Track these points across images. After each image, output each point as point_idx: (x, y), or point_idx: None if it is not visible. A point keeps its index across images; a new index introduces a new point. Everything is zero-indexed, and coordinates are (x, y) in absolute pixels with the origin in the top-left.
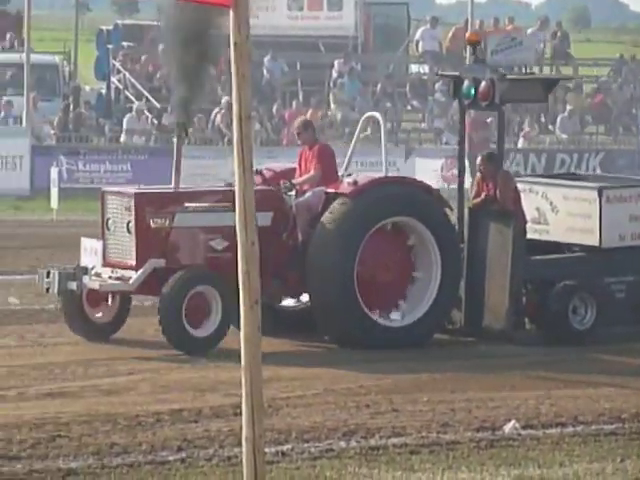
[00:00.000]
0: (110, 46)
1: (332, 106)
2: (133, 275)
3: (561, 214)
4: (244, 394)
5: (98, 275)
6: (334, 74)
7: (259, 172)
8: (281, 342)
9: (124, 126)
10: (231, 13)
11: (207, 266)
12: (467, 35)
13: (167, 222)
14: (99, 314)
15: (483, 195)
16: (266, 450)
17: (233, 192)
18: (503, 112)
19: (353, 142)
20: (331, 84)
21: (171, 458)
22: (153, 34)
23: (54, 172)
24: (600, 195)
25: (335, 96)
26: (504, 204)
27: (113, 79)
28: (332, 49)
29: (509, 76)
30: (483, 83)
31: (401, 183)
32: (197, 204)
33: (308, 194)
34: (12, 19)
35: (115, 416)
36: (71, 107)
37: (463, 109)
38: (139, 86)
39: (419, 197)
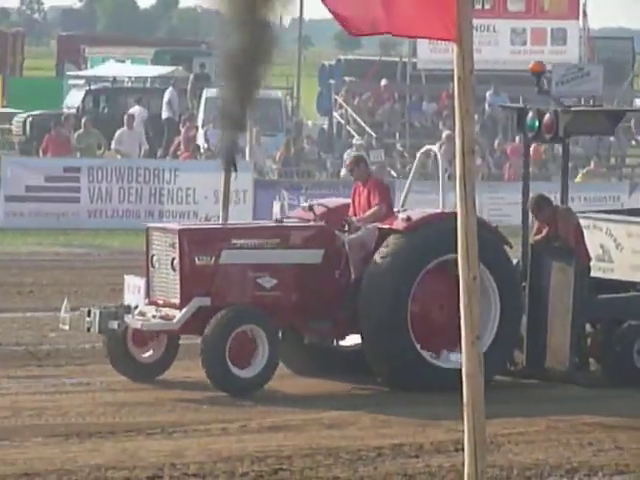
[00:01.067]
0: (332, 81)
1: None
2: (177, 314)
3: (626, 251)
4: (466, 430)
5: (142, 314)
6: None
7: (310, 208)
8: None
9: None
10: (455, 48)
11: (255, 305)
12: (530, 65)
13: (213, 259)
14: (145, 354)
15: (544, 232)
16: None
17: (282, 229)
18: (567, 145)
19: (410, 177)
20: None
21: None
22: (375, 69)
23: (276, 206)
24: None
25: None
26: (566, 241)
27: (335, 114)
28: None
29: (573, 108)
30: (547, 115)
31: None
32: (244, 241)
33: (361, 230)
34: None
35: (337, 450)
36: (293, 142)
37: (527, 142)
38: (361, 121)
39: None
